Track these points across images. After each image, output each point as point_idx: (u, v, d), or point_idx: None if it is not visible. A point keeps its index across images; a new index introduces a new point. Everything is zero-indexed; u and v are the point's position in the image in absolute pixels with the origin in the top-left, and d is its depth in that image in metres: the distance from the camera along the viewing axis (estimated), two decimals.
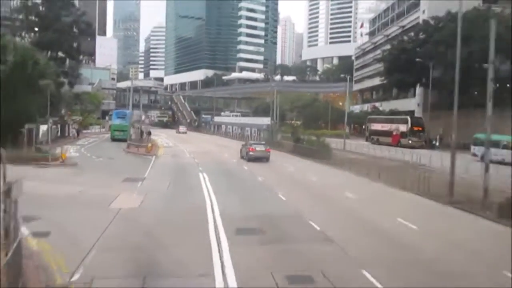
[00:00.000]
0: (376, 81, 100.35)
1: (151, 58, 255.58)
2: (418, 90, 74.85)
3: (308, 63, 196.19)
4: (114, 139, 55.35)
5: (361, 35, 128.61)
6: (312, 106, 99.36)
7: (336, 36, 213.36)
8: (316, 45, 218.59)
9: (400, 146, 54.74)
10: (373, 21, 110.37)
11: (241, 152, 38.44)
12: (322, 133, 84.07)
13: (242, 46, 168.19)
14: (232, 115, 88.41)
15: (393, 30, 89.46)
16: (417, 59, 57.42)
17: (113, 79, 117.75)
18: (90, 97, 74.95)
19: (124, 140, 48.11)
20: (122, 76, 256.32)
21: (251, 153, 35.67)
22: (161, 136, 73.93)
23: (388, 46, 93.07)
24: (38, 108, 43.49)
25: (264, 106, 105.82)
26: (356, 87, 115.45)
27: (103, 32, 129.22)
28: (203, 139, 67.81)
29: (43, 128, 45.53)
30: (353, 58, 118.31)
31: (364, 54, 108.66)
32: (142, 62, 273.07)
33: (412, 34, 65.45)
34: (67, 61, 57.19)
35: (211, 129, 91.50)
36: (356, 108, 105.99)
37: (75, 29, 53.06)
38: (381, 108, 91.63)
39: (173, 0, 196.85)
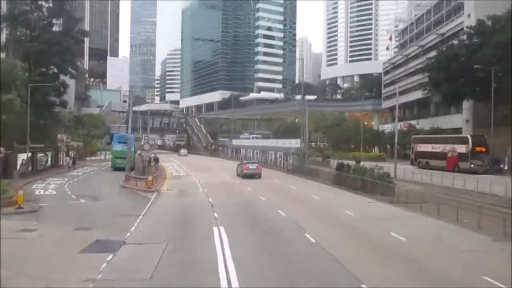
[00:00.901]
0: (411, 96, 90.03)
1: (167, 82, 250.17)
2: (466, 104, 64.27)
3: (327, 82, 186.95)
4: (115, 168, 46.07)
5: (388, 48, 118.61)
6: (339, 126, 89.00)
7: (356, 54, 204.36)
8: (336, 63, 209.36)
9: (457, 171, 44.10)
10: (402, 32, 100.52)
11: (236, 171, 42.71)
12: (353, 156, 73.93)
13: (260, 66, 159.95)
14: (252, 137, 78.43)
15: (430, 39, 79.47)
16: (476, 66, 47.09)
17: (124, 101, 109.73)
18: (94, 120, 66.24)
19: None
20: (139, 101, 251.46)
21: (245, 171, 40.28)
22: (173, 163, 64.54)
23: (423, 58, 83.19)
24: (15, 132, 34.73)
25: (285, 127, 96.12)
26: (386, 104, 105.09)
27: (115, 53, 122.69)
28: (221, 165, 58.07)
29: (22, 157, 36.60)
30: (382, 72, 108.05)
31: (394, 69, 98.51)
32: (159, 86, 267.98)
33: (464, 37, 55.15)
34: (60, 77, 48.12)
35: (229, 153, 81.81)
36: (387, 127, 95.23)
37: (68, 39, 44.07)
38: (417, 127, 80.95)
39: (188, 23, 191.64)
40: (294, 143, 49.77)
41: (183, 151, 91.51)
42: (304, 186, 34.24)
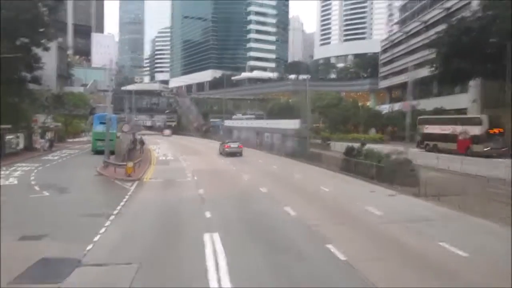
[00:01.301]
0: (411, 75, 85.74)
1: (157, 61, 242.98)
2: (472, 83, 60.22)
3: (320, 62, 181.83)
4: (96, 152, 41.45)
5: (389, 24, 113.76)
6: (336, 107, 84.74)
7: (350, 33, 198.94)
8: (329, 43, 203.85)
9: (469, 155, 40.40)
10: (403, 8, 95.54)
11: (219, 149, 45.66)
12: (352, 138, 69.89)
13: (252, 44, 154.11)
14: (246, 118, 73.68)
15: (434, 14, 74.92)
16: (492, 40, 42.87)
17: (111, 80, 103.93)
18: (75, 99, 61.12)
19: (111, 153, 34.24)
20: (128, 80, 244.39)
21: (226, 149, 43.06)
22: (161, 145, 59.98)
23: (426, 34, 78.78)
24: None
25: (279, 107, 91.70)
26: (383, 84, 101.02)
27: (100, 30, 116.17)
28: (212, 147, 53.66)
29: None
30: (379, 51, 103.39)
31: (393, 46, 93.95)
32: (148, 65, 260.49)
33: (476, 9, 50.67)
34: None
35: (221, 134, 77.27)
36: (384, 108, 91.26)
37: (38, 7, 38.84)
38: (419, 107, 76.94)
39: (178, 1, 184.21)
40: (292, 124, 45.37)
41: (166, 131, 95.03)
42: (308, 173, 30.05)
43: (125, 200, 19.06)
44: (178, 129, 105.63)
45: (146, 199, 19.55)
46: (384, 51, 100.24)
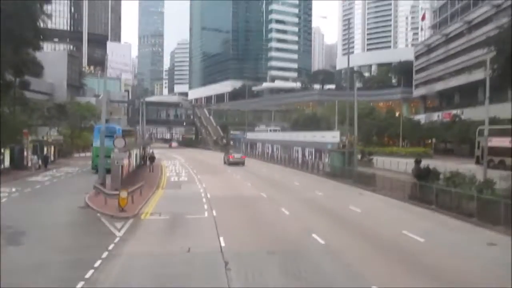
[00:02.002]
0: (451, 82, 77.10)
1: (176, 73, 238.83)
2: None
3: (342, 72, 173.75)
4: (98, 170, 34.23)
5: (421, 29, 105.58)
6: (369, 117, 76.22)
7: (374, 42, 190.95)
8: (352, 52, 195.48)
9: None
10: (439, 10, 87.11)
11: (223, 159, 47.63)
12: (390, 152, 61.47)
13: (273, 53, 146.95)
14: (270, 130, 65.69)
15: (480, 13, 66.44)
16: None
17: (126, 91, 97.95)
18: (81, 109, 54.51)
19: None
20: (147, 93, 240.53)
21: (230, 159, 45.84)
22: (177, 160, 52.70)
23: (470, 36, 70.23)
24: None
25: (304, 119, 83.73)
26: (418, 92, 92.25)
27: (117, 40, 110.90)
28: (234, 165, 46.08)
29: None
30: (413, 57, 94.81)
31: (430, 52, 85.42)
32: (167, 78, 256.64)
33: None
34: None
35: (242, 148, 69.81)
36: (419, 118, 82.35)
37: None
38: (463, 117, 68.09)
39: (197, 12, 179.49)
40: (330, 136, 37.61)
41: (174, 143, 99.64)
42: (369, 204, 21.99)
43: (100, 260, 11.45)
44: (196, 143, 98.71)
45: (133, 263, 11.85)
46: (418, 57, 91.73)
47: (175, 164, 47.13)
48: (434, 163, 37.40)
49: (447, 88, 78.55)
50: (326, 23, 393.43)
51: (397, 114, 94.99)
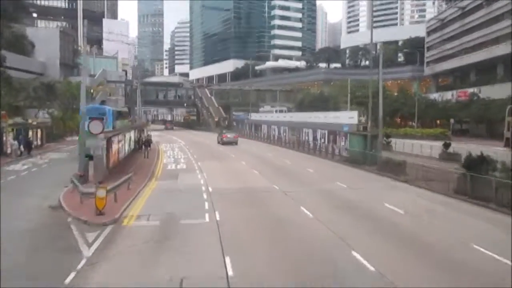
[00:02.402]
0: (468, 58, 72.23)
1: (176, 54, 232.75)
2: None
3: (347, 50, 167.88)
4: (86, 156, 30.15)
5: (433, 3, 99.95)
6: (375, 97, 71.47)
7: (380, 19, 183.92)
8: (357, 31, 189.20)
9: None
10: None
11: (217, 139, 49.18)
12: (405, 133, 57.23)
13: (276, 31, 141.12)
14: (276, 111, 60.79)
15: None
16: None
17: (124, 70, 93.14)
18: (71, 89, 50.11)
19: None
20: (148, 74, 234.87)
21: (224, 139, 47.47)
22: (176, 143, 48.59)
23: (489, 8, 65.13)
24: None
25: (311, 99, 79.19)
26: (430, 70, 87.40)
27: (114, 18, 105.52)
28: (238, 149, 42.04)
29: None
30: (425, 33, 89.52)
31: (443, 27, 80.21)
32: (167, 58, 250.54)
33: None
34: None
35: (245, 130, 65.58)
36: (434, 98, 77.61)
37: None
38: (481, 95, 63.54)
39: None
40: (346, 117, 33.31)
41: (169, 124, 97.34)
42: (408, 200, 17.78)
43: None
44: (198, 124, 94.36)
45: None
46: (430, 33, 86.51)
47: (173, 148, 42.99)
48: (456, 146, 33.40)
49: (462, 65, 73.78)
50: (330, 1, 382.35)
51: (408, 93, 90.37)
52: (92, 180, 20.96)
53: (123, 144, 29.12)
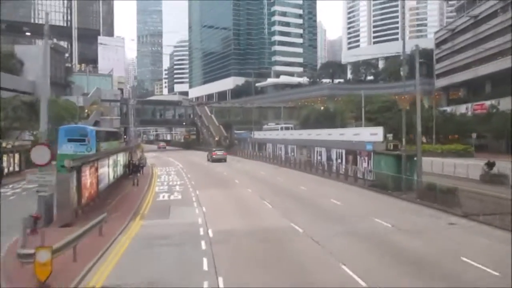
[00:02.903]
0: (482, 69, 67.70)
1: (175, 73, 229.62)
2: None
3: (348, 67, 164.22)
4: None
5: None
6: (391, 111, 66.88)
7: (381, 35, 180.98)
8: (358, 46, 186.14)
9: None
10: None
11: (207, 157, 51.61)
12: (422, 150, 52.14)
13: (277, 48, 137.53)
14: (281, 128, 55.62)
15: None
16: None
17: (120, 89, 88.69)
18: (57, 108, 45.31)
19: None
20: (148, 94, 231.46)
21: (213, 156, 49.53)
22: (173, 167, 43.58)
23: (505, 16, 60.92)
24: None
25: (316, 115, 74.27)
26: (440, 83, 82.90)
27: (110, 34, 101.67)
28: (242, 171, 37.10)
29: None
30: (434, 44, 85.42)
31: (454, 37, 76.04)
32: (167, 77, 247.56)
33: None
34: None
35: (249, 149, 60.66)
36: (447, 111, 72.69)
37: None
38: (500, 108, 58.87)
39: (196, 9, 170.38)
40: (367, 134, 28.38)
41: (162, 144, 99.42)
42: (493, 252, 12.62)
43: None
44: (197, 143, 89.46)
45: None
46: (440, 44, 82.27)
47: (169, 172, 37.91)
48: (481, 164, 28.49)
49: (477, 76, 69.25)
50: (328, 18, 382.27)
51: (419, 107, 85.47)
52: (56, 221, 16.04)
53: (107, 171, 24.24)
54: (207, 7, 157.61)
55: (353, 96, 71.37)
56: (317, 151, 36.99)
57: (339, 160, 32.22)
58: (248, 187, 26.71)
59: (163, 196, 23.90)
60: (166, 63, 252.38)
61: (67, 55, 74.33)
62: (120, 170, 29.29)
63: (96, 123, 70.20)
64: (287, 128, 53.82)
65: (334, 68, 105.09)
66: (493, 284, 9.78)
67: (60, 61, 71.84)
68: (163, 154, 71.02)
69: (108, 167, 24.95)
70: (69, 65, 74.72)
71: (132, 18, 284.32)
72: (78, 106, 69.21)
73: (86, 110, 75.67)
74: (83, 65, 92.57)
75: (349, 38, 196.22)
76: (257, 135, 58.77)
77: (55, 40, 76.52)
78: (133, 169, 28.77)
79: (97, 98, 73.13)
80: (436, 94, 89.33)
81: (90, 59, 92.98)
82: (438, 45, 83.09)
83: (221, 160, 48.39)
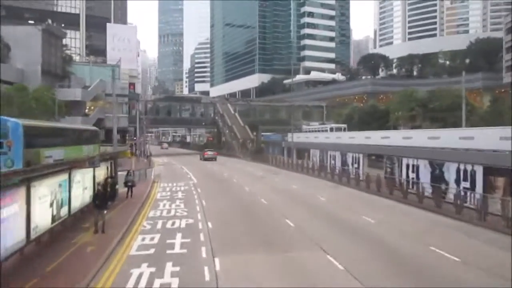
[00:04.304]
0: None
1: (196, 71, 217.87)
2: None
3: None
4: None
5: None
6: (459, 110, 51.63)
7: (416, 31, 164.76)
8: (391, 43, 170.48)
9: None
10: None
11: (200, 157, 56.75)
12: None
13: (306, 42, 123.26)
14: (332, 129, 40.12)
15: None
16: None
17: (132, 84, 75.74)
18: (25, 98, 32.37)
19: None
20: (169, 94, 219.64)
21: (205, 156, 55.05)
22: (182, 183, 29.84)
23: None
24: None
25: (362, 114, 59.80)
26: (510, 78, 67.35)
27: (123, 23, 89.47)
28: (303, 193, 23.37)
29: None
30: (503, 31, 69.75)
31: None
32: (187, 77, 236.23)
33: None
34: None
35: (283, 156, 46.82)
36: None
37: None
38: None
39: (218, 5, 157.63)
40: (503, 134, 14.39)
41: (164, 145, 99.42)
42: None
43: None
44: (218, 146, 76.10)
45: None
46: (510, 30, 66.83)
47: (174, 196, 23.97)
48: None
49: None
50: (354, 19, 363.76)
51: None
52: None
53: (45, 206, 10.91)
54: (230, 4, 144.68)
55: (410, 92, 56.62)
56: (406, 165, 22.82)
57: (464, 183, 18.00)
58: (320, 242, 12.91)
59: (143, 274, 10.16)
60: (187, 63, 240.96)
61: (68, 42, 62.00)
62: (83, 198, 15.79)
63: (99, 122, 57.72)
64: (338, 129, 39.44)
65: (377, 61, 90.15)
66: None
67: (56, 47, 59.18)
68: (176, 160, 57.93)
69: (53, 196, 11.58)
70: (69, 52, 62.25)
71: (154, 19, 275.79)
72: (76, 100, 57.14)
73: (88, 106, 63.31)
74: (84, 54, 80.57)
75: (380, 34, 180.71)
76: (299, 138, 44.42)
77: (49, 21, 64.05)
78: (99, 201, 14.96)
79: (100, 92, 60.41)
80: (501, 89, 73.74)
81: (99, 50, 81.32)
82: (508, 31, 67.61)
83: (212, 159, 52.77)
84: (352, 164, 30.04)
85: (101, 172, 18.64)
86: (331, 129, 39.54)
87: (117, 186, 20.74)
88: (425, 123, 53.11)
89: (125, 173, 23.13)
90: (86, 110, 60.45)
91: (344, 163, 31.52)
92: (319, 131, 42.61)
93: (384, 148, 25.97)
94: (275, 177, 33.32)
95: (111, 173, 21.14)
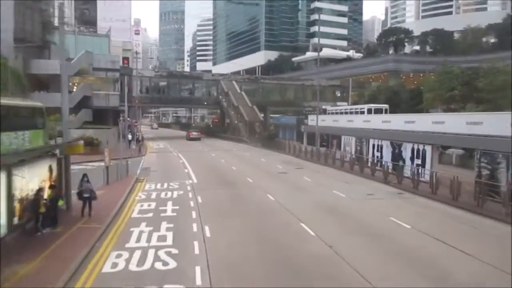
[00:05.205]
0: None
1: (198, 49, 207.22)
2: None
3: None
4: None
5: None
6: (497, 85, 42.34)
7: (430, 8, 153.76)
8: (404, 21, 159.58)
9: None
10: None
11: (186, 137, 59.74)
12: None
13: (316, 16, 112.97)
14: (371, 110, 30.87)
15: None
16: None
17: (126, 58, 66.27)
18: None
19: None
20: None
21: (190, 136, 58.24)
22: (179, 181, 21.12)
23: None
24: None
25: (389, 95, 50.82)
26: None
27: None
28: (357, 213, 14.81)
29: None
30: None
31: None
32: (189, 54, 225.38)
33: None
34: None
35: (303, 143, 38.18)
36: None
37: None
38: None
39: None
40: None
41: (154, 125, 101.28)
42: None
43: None
44: (222, 130, 67.28)
45: None
46: None
47: (165, 203, 15.54)
48: None
49: None
50: None
51: None
52: None
53: None
54: None
55: (450, 69, 47.44)
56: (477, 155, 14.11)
57: None
58: None
59: None
60: (188, 41, 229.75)
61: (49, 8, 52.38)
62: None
63: (85, 100, 49.13)
64: (378, 111, 30.43)
65: (399, 35, 79.81)
66: None
67: (31, 13, 49.63)
68: (173, 145, 49.26)
69: None
70: (49, 19, 52.75)
71: None
72: (56, 73, 47.70)
73: (72, 82, 54.58)
74: (73, 23, 71.02)
75: (392, 12, 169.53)
76: (325, 121, 35.30)
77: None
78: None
79: (87, 65, 51.16)
80: None
81: (90, 21, 72.04)
82: None
83: (196, 139, 56.08)
84: (412, 159, 21.35)
85: (34, 178, 10.12)
86: (369, 111, 30.61)
87: (61, 203, 12.21)
88: (469, 105, 44.35)
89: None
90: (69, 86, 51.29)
91: (397, 156, 22.83)
92: (351, 112, 33.73)
93: (472, 139, 17.21)
94: (302, 174, 24.55)
95: (56, 179, 12.54)
